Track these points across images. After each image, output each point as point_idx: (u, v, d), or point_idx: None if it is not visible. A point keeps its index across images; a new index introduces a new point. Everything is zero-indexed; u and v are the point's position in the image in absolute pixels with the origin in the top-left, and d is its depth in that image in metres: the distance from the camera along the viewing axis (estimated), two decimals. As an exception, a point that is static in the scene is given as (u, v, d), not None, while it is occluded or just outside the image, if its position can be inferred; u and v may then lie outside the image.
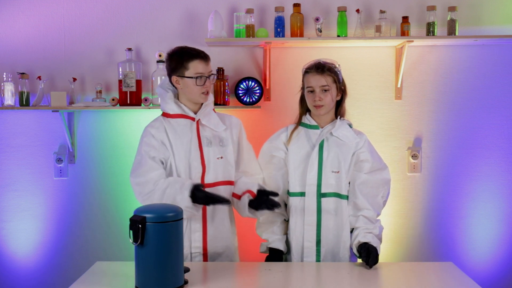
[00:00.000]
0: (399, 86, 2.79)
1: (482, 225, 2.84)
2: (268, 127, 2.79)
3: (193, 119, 2.01)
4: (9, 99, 2.64)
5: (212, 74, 2.02)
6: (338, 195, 1.99)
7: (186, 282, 1.62)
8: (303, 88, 2.06)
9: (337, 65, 2.01)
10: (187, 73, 1.96)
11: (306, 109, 2.07)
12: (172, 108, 2.02)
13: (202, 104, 2.04)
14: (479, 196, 2.84)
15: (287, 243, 2.05)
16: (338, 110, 2.05)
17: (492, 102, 2.81)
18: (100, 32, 2.77)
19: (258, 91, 2.73)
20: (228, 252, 2.05)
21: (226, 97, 2.71)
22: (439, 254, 2.85)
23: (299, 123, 2.08)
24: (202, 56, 1.98)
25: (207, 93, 2.00)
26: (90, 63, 2.77)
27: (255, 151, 2.71)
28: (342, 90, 2.02)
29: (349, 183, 2.01)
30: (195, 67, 1.96)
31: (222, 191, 2.00)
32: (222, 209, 2.02)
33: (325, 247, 1.98)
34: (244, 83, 2.73)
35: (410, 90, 2.81)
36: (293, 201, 2.02)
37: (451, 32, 2.66)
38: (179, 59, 1.98)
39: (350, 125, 2.06)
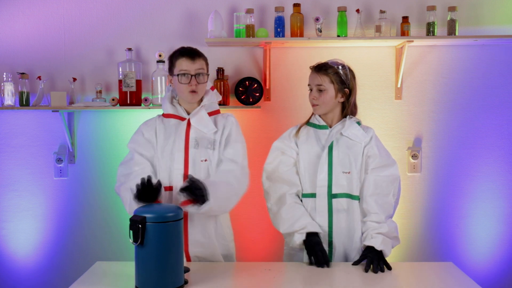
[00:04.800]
0: (399, 86, 2.79)
1: (482, 225, 2.84)
2: (268, 127, 2.80)
3: (184, 119, 2.01)
4: (9, 99, 2.64)
5: (199, 72, 1.96)
6: (349, 196, 1.97)
7: (186, 282, 1.62)
8: None
9: (339, 67, 1.99)
10: (174, 71, 1.98)
11: None
12: (166, 108, 2.04)
13: (200, 104, 2.02)
14: (479, 196, 2.83)
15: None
16: (345, 110, 2.02)
17: (492, 102, 2.81)
18: (100, 32, 2.77)
19: (258, 91, 2.73)
20: (212, 259, 2.00)
21: (226, 97, 2.71)
22: (439, 254, 2.85)
23: (307, 121, 2.07)
24: (188, 54, 1.96)
25: (195, 92, 1.96)
26: (90, 63, 2.77)
27: (254, 150, 2.72)
28: (344, 92, 1.99)
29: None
30: (179, 64, 1.96)
31: None
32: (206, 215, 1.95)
33: (337, 249, 1.97)
34: (244, 83, 2.73)
35: (410, 90, 2.81)
36: (305, 203, 2.00)
37: (451, 32, 2.66)
38: (170, 58, 2.01)
39: (359, 123, 2.03)
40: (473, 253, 2.85)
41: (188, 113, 2.02)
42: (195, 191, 1.73)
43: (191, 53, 1.96)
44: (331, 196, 1.96)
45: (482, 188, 2.83)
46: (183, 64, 1.95)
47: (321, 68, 1.98)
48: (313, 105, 2.01)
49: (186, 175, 1.95)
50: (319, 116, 2.04)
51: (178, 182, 1.94)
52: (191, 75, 1.95)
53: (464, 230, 2.85)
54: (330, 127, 2.02)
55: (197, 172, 1.96)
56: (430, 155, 2.83)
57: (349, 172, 1.97)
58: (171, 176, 1.97)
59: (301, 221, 1.92)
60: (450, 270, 1.82)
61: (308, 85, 2.03)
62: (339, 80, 1.97)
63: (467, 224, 2.84)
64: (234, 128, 2.02)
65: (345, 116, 2.02)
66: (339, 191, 1.96)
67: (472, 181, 2.83)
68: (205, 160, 1.98)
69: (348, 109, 2.02)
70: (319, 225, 1.95)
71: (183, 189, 1.75)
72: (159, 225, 1.53)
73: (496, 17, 2.77)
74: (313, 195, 1.98)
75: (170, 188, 1.97)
